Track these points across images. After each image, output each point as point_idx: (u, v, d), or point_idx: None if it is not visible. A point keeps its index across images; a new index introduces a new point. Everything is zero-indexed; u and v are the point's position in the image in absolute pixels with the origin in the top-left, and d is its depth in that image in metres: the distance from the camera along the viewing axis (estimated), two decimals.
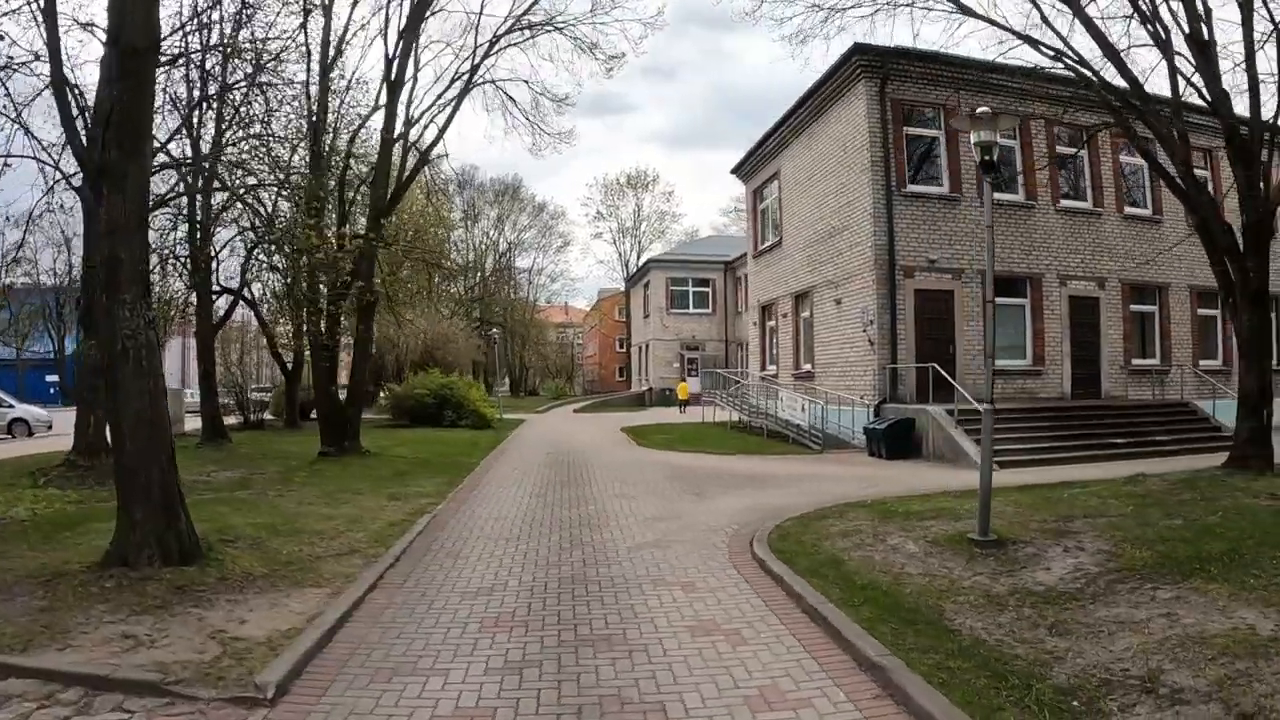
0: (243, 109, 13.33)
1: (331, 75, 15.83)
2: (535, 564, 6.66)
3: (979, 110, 6.44)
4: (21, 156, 10.82)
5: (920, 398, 14.82)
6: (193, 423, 19.80)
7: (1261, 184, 9.81)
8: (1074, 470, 10.90)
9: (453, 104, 16.36)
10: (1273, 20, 9.39)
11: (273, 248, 15.43)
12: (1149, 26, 10.01)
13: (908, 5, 11.36)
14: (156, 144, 11.70)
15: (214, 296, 19.00)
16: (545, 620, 5.08)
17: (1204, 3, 9.67)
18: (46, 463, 11.55)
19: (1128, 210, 17.40)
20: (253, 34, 12.74)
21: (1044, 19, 10.58)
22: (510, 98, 17.68)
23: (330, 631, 4.71)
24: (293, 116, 14.27)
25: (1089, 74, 10.46)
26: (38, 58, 10.36)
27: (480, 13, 16.80)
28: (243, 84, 12.90)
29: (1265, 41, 9.43)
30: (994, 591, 5.34)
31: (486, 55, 16.33)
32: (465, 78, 16.22)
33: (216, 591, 5.36)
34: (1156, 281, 17.35)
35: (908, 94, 15.88)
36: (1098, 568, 5.70)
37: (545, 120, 23.07)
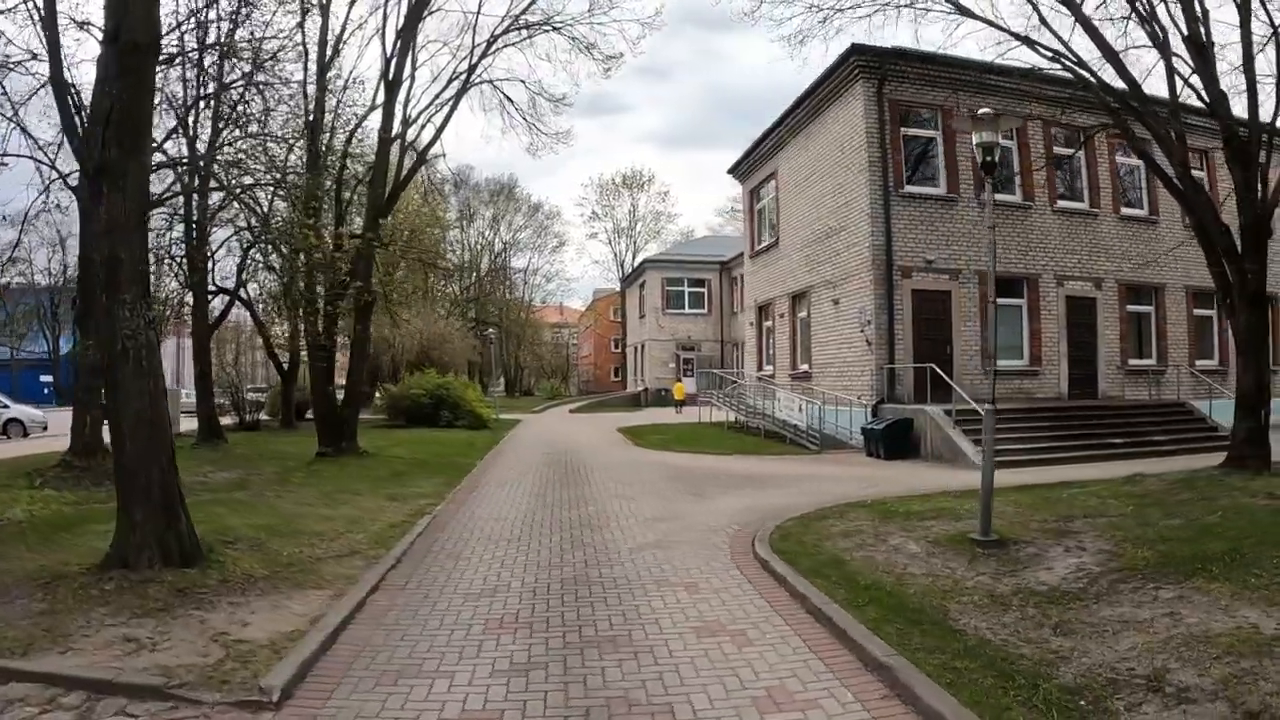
0: (240, 108, 13.27)
1: (329, 75, 15.81)
2: (537, 565, 6.64)
3: (981, 111, 6.45)
4: (18, 156, 10.75)
5: (918, 398, 14.84)
6: (188, 423, 19.70)
7: (1259, 185, 9.85)
8: (1072, 470, 10.92)
9: (450, 104, 16.34)
10: (1272, 23, 9.44)
11: (269, 247, 15.36)
12: (1147, 28, 10.05)
13: (907, 5, 11.39)
14: (153, 143, 11.63)
15: (210, 296, 18.93)
16: (550, 622, 5.06)
17: (1201, 4, 9.70)
18: (42, 463, 11.46)
19: (1124, 211, 17.49)
20: (250, 33, 12.69)
21: (1042, 20, 10.63)
22: (508, 97, 17.65)
23: (334, 634, 4.68)
24: (290, 116, 14.23)
25: (1087, 75, 10.49)
26: (34, 56, 10.31)
27: (478, 12, 16.79)
28: (240, 83, 12.85)
29: (1265, 44, 9.47)
30: (997, 591, 5.35)
31: (484, 55, 16.30)
32: (463, 77, 16.19)
33: (218, 594, 5.32)
34: (1153, 282, 17.43)
35: (905, 95, 15.92)
36: (1099, 567, 5.71)
37: (543, 120, 23.05)
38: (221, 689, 3.83)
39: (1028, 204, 16.45)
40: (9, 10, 9.95)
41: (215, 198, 15.68)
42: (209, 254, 16.99)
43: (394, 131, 15.60)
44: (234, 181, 13.89)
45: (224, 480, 11.29)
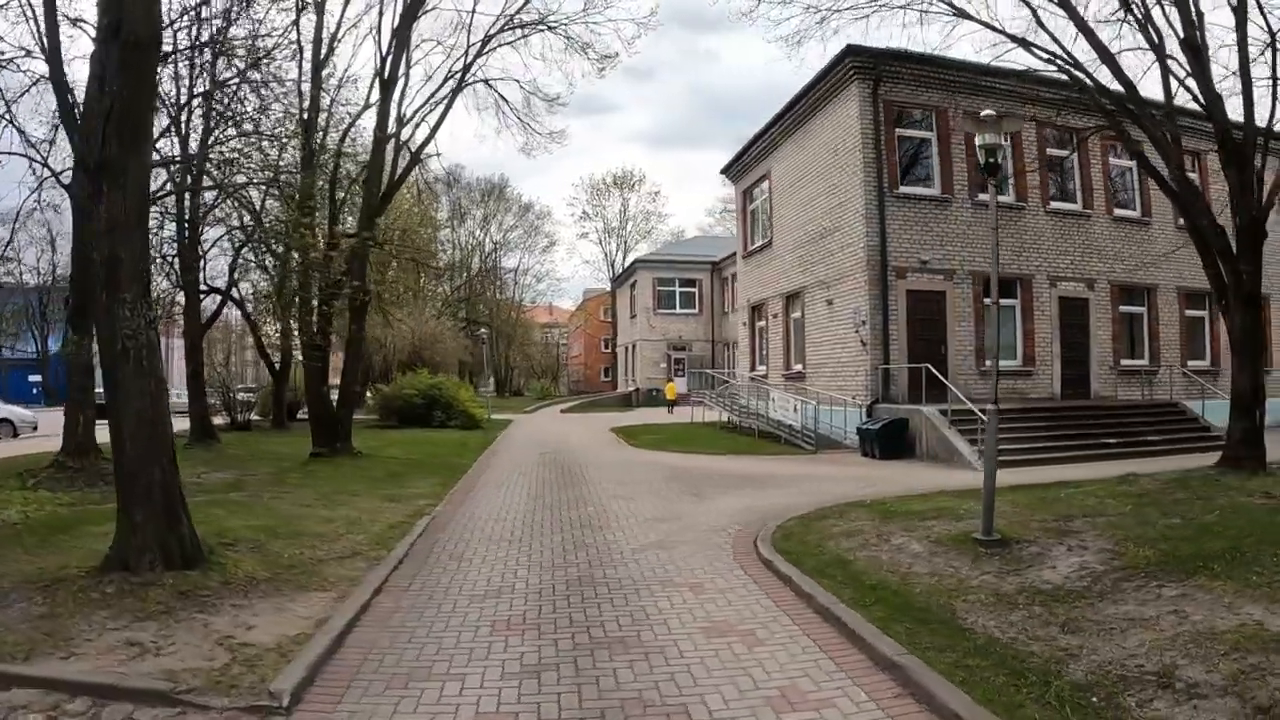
0: (233, 106, 13.16)
1: (323, 73, 15.69)
2: (541, 566, 6.62)
3: (984, 113, 6.47)
4: (10, 154, 10.63)
5: (913, 398, 14.90)
6: (178, 424, 19.48)
7: (1255, 187, 9.93)
8: (1066, 470, 10.98)
9: (445, 103, 16.23)
10: (1268, 26, 9.52)
11: (263, 247, 15.23)
12: (1143, 31, 10.12)
13: (902, 6, 11.43)
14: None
15: (201, 296, 18.76)
16: (558, 623, 5.04)
17: (1197, 8, 9.78)
18: (35, 464, 11.31)
19: (1117, 212, 17.62)
20: (244, 31, 12.60)
21: (1039, 23, 10.69)
22: (503, 97, 17.52)
23: (340, 636, 4.64)
24: (284, 114, 14.12)
25: (1083, 77, 10.56)
26: (28, 53, 10.19)
27: (473, 11, 16.54)
28: (233, 81, 12.75)
29: (1264, 49, 9.55)
30: (1003, 590, 5.37)
31: (479, 54, 16.19)
32: (458, 76, 16.10)
33: (220, 596, 5.26)
34: (1145, 283, 17.56)
35: (900, 95, 15.98)
36: (1102, 566, 5.74)
37: (537, 120, 23.00)
38: (230, 694, 3.78)
39: (1021, 205, 16.54)
40: (2, 7, 9.83)
41: (208, 196, 15.55)
42: (202, 253, 16.83)
43: (389, 130, 15.51)
44: (227, 180, 13.79)
45: (219, 481, 11.20)
